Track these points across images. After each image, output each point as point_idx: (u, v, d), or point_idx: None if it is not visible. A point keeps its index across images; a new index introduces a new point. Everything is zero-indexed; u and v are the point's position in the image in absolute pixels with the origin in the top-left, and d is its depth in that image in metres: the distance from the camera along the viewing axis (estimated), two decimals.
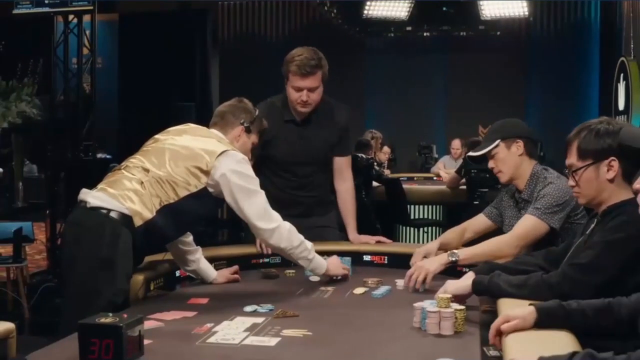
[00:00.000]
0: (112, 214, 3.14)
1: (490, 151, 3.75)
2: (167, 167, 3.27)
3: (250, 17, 14.28)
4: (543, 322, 2.34)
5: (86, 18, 8.33)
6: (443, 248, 3.80)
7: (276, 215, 3.39)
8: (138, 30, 12.47)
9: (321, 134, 4.31)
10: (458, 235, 3.96)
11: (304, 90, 4.15)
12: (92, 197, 3.21)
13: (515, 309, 2.43)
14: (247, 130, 3.59)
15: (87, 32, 8.37)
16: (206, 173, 3.27)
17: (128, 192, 3.19)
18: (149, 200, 3.20)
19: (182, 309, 3.09)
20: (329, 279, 3.66)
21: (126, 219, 3.14)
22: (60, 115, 8.27)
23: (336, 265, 3.68)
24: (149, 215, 3.18)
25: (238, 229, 4.06)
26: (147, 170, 3.26)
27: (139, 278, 3.37)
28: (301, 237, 3.45)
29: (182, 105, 10.83)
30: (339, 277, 3.68)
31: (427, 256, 3.71)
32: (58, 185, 7.99)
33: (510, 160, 3.72)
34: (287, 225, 3.41)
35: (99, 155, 8.47)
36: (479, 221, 3.99)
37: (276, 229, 3.36)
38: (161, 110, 10.04)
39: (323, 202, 4.45)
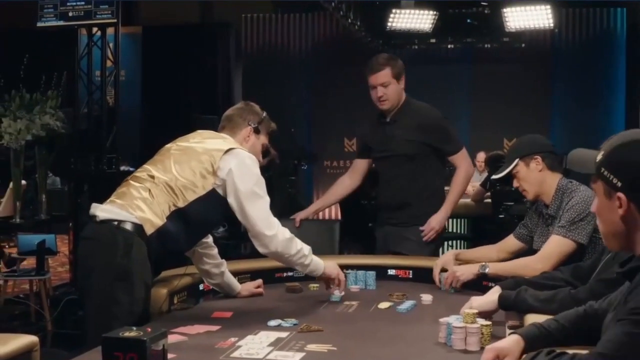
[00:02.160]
0: (123, 225, 3.15)
1: (510, 171, 3.74)
2: (173, 171, 3.28)
3: (274, 30, 14.31)
4: (530, 348, 2.30)
5: (110, 31, 8.38)
6: (462, 259, 3.95)
7: (276, 221, 3.37)
8: (161, 42, 12.56)
9: (401, 130, 4.70)
10: (494, 255, 3.98)
11: (377, 87, 4.65)
12: (101, 210, 3.23)
13: (500, 341, 2.34)
14: (256, 131, 3.60)
15: (111, 45, 8.42)
16: (213, 173, 3.27)
17: (136, 201, 3.21)
18: (158, 207, 3.20)
19: (206, 323, 3.09)
20: (328, 288, 3.65)
21: (137, 228, 3.15)
22: (83, 128, 8.31)
23: (333, 267, 3.63)
24: (159, 222, 3.19)
25: None
26: (153, 177, 3.27)
27: (163, 292, 3.37)
28: (299, 243, 3.44)
29: (205, 117, 10.86)
30: (336, 290, 3.63)
31: (445, 267, 3.85)
32: (81, 198, 8.02)
33: (531, 177, 3.71)
34: (286, 232, 3.39)
35: (122, 168, 8.48)
36: (511, 242, 3.99)
37: (275, 235, 3.34)
38: (184, 123, 10.09)
39: (403, 204, 4.70)
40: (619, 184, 2.03)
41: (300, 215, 4.89)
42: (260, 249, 3.39)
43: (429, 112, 4.79)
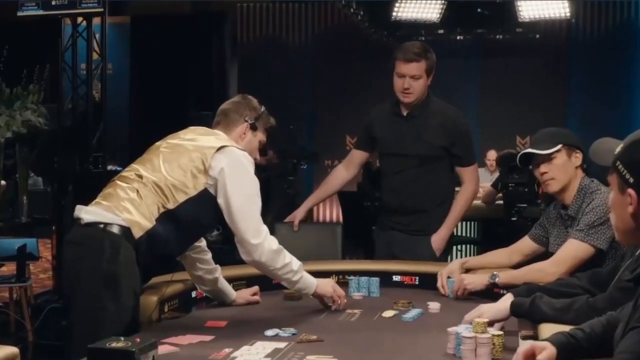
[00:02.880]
0: (110, 228, 3.15)
1: (551, 154, 3.71)
2: (162, 170, 3.28)
3: (271, 20, 14.33)
4: (561, 357, 2.31)
5: (96, 21, 8.38)
6: (469, 267, 3.96)
7: (264, 229, 3.37)
8: (151, 34, 12.56)
9: (420, 129, 4.64)
10: (505, 258, 3.98)
11: (406, 77, 4.57)
12: (86, 212, 3.23)
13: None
14: (253, 128, 3.59)
15: (97, 36, 8.42)
16: (205, 172, 3.27)
17: (124, 202, 3.20)
18: (146, 208, 3.20)
19: (199, 333, 3.09)
20: (325, 306, 3.61)
21: (125, 231, 3.15)
22: (67, 125, 8.31)
23: (327, 285, 3.60)
24: (148, 224, 3.18)
25: None
26: (141, 177, 3.27)
27: (152, 299, 3.37)
28: (287, 257, 3.42)
29: (198, 114, 10.86)
30: (332, 307, 3.59)
31: (450, 276, 3.86)
32: (65, 200, 8.01)
33: (568, 169, 3.66)
34: (273, 243, 3.38)
35: (110, 168, 8.50)
36: (525, 244, 3.98)
37: (260, 244, 3.33)
38: (175, 119, 10.03)
39: (415, 210, 4.67)
40: (631, 179, 2.08)
41: (297, 217, 4.81)
42: (244, 257, 3.39)
43: (454, 115, 4.76)
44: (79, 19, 8.31)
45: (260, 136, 3.64)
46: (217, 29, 12.91)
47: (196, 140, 3.40)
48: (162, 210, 3.22)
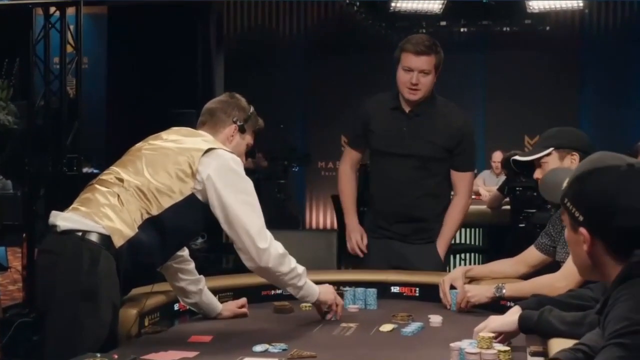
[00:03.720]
0: (88, 236, 3.13)
1: (539, 158, 3.73)
2: (145, 174, 3.27)
3: (260, 10, 14.34)
4: None
5: (70, 11, 8.39)
6: (473, 276, 3.97)
7: (269, 233, 3.38)
8: (130, 25, 12.53)
9: (431, 129, 4.62)
10: (511, 268, 3.99)
11: (414, 72, 4.53)
12: (62, 219, 3.21)
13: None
14: (241, 130, 3.59)
15: (71, 28, 8.42)
16: (192, 176, 3.27)
17: (104, 208, 3.19)
18: (128, 215, 3.19)
19: (182, 348, 3.08)
20: (322, 314, 3.65)
21: (105, 239, 3.14)
22: (40, 124, 8.30)
23: (329, 292, 3.64)
24: (130, 232, 3.17)
25: None
26: (122, 181, 3.26)
27: (132, 312, 3.37)
28: (292, 261, 3.44)
29: (181, 112, 10.83)
30: (329, 316, 3.64)
31: (453, 284, 3.87)
32: (37, 205, 8.01)
33: None
34: (279, 246, 3.40)
35: (85, 170, 8.51)
36: (531, 254, 3.99)
37: (267, 249, 3.34)
38: (157, 118, 10.02)
39: (417, 218, 4.66)
40: (581, 217, 2.12)
41: (362, 235, 4.80)
42: (248, 264, 3.38)
43: (461, 116, 4.76)
44: (52, 9, 8.31)
45: (249, 139, 3.65)
46: (202, 19, 12.89)
47: (181, 141, 3.40)
48: (145, 216, 3.21)
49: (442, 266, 4.69)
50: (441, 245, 4.69)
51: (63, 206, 3.34)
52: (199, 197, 3.30)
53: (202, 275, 3.68)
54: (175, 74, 12.06)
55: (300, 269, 3.48)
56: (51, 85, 8.32)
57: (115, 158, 3.48)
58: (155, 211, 3.22)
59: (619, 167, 2.10)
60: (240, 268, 3.51)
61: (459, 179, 4.75)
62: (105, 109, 12.93)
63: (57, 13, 8.32)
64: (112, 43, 13.15)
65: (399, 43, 4.64)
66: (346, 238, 4.84)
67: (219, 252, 9.72)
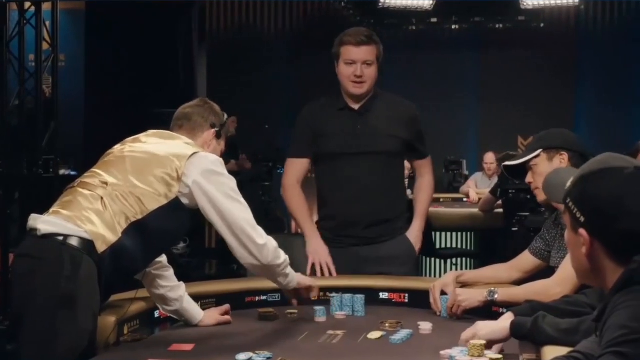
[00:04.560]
0: (70, 241, 3.13)
1: (528, 161, 3.76)
2: (130, 177, 3.28)
3: (244, 7, 14.33)
4: None
5: (46, 6, 8.37)
6: (465, 281, 3.96)
7: (260, 228, 3.43)
8: (109, 21, 12.49)
9: (388, 123, 4.62)
10: (504, 274, 4.00)
11: (358, 64, 4.51)
12: (43, 223, 3.20)
13: None
14: (218, 135, 3.65)
15: (48, 24, 8.40)
16: (178, 180, 3.29)
17: (86, 212, 3.19)
18: (112, 219, 3.19)
19: (162, 357, 3.08)
20: (296, 298, 3.77)
21: (87, 244, 3.13)
22: (14, 124, 8.28)
23: (302, 276, 3.80)
24: (113, 238, 3.17)
25: (229, 260, 4.07)
26: (106, 184, 3.26)
27: (110, 320, 3.36)
28: (282, 251, 3.52)
29: (162, 112, 10.78)
30: (312, 295, 3.79)
31: (444, 289, 3.85)
32: (11, 208, 7.98)
33: None
34: (272, 239, 3.46)
35: (62, 172, 8.49)
36: (526, 259, 4.01)
37: (266, 245, 3.40)
38: (137, 118, 10.06)
39: (387, 218, 4.63)
40: (583, 219, 2.12)
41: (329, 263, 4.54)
42: (249, 261, 3.42)
43: (407, 103, 4.79)
44: (27, 4, 8.29)
45: (223, 145, 3.71)
46: (184, 16, 12.88)
47: (164, 145, 3.41)
48: (130, 220, 3.21)
49: (416, 258, 4.77)
50: (419, 220, 4.77)
51: (39, 209, 3.34)
52: (184, 201, 3.32)
53: (182, 282, 3.68)
54: (156, 73, 12.05)
55: (286, 257, 3.56)
56: (26, 84, 8.30)
57: (93, 159, 3.47)
58: (139, 215, 3.23)
59: (625, 169, 2.10)
60: (223, 274, 3.52)
61: (423, 165, 4.86)
62: (83, 108, 12.87)
63: (33, 8, 8.30)
64: (90, 40, 13.09)
65: (331, 49, 4.63)
66: (309, 259, 4.54)
67: (201, 257, 9.72)
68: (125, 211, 3.22)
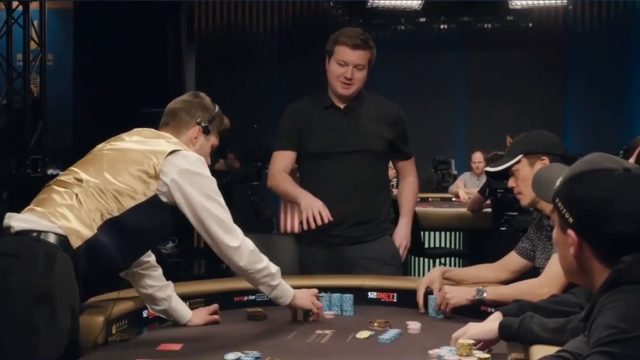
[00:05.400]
0: (44, 237, 3.11)
1: (510, 167, 3.77)
2: (106, 174, 3.27)
3: (233, 7, 14.31)
4: None
5: (34, 6, 8.37)
6: (452, 278, 3.96)
7: (239, 230, 3.42)
8: (97, 21, 12.47)
9: (373, 123, 4.66)
10: (492, 274, 4.01)
11: (349, 66, 4.53)
12: (17, 220, 3.18)
13: None
14: (205, 131, 3.60)
15: (35, 23, 8.39)
16: (155, 177, 3.27)
17: (60, 208, 3.17)
18: (87, 215, 3.17)
19: (150, 357, 3.08)
20: (297, 315, 3.72)
21: (61, 240, 3.11)
22: (2, 123, 8.27)
23: (306, 298, 3.70)
24: (88, 233, 3.15)
25: (217, 259, 4.06)
26: (81, 181, 3.25)
27: (98, 320, 3.35)
28: (265, 259, 3.48)
29: (151, 112, 10.76)
30: (311, 317, 3.72)
31: (430, 286, 3.86)
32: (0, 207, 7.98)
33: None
34: (250, 243, 3.44)
35: (50, 172, 8.46)
36: (512, 260, 4.02)
37: (239, 248, 3.38)
38: (125, 117, 10.01)
39: (372, 217, 4.64)
40: (571, 219, 2.12)
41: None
42: (227, 262, 3.45)
43: (391, 104, 4.84)
44: (15, 3, 8.30)
45: (213, 140, 3.66)
46: (172, 15, 12.86)
47: (144, 143, 3.39)
48: (105, 217, 3.20)
49: (399, 258, 4.74)
50: (407, 217, 4.82)
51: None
52: (163, 199, 3.30)
53: (170, 281, 3.68)
54: (145, 72, 12.03)
55: (274, 268, 3.52)
56: (14, 84, 8.31)
57: (81, 159, 3.46)
58: (116, 212, 3.21)
59: (614, 171, 2.10)
60: (212, 273, 3.51)
61: (407, 166, 4.92)
62: (71, 108, 12.83)
63: (20, 8, 8.29)
64: (78, 39, 13.06)
65: (320, 49, 4.68)
66: (302, 215, 4.44)
67: (190, 256, 9.70)
68: (100, 208, 3.20)
